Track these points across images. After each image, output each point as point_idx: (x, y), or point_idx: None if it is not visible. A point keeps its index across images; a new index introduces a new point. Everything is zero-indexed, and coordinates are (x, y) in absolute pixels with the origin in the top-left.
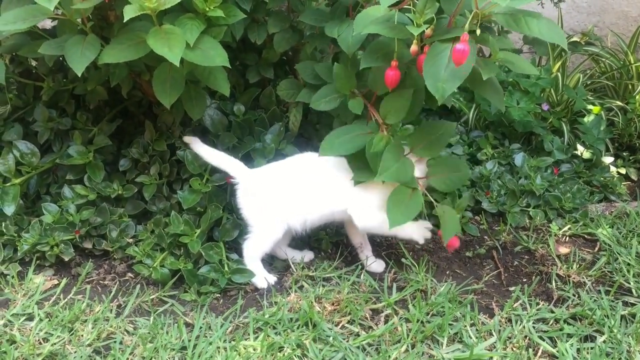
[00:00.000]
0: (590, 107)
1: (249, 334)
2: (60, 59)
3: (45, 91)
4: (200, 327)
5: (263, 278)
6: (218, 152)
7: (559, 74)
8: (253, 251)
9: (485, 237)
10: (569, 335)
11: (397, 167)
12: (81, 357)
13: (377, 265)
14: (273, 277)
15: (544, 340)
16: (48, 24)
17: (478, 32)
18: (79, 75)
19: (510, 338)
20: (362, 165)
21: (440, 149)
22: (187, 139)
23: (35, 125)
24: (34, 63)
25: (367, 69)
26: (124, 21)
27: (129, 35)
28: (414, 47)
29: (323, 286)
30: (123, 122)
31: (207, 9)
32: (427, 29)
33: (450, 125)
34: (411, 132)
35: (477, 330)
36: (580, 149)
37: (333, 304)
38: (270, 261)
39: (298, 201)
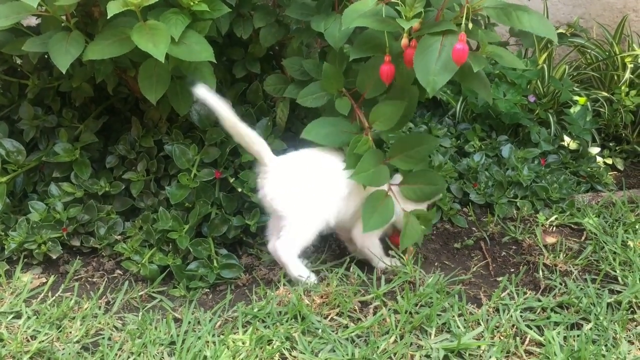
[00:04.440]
0: (576, 98)
1: (237, 328)
2: (45, 56)
3: (31, 89)
4: (189, 322)
5: (311, 275)
6: (252, 131)
7: (545, 66)
8: (291, 247)
9: (473, 228)
10: (556, 324)
11: (374, 172)
12: (69, 353)
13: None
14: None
15: (531, 328)
16: (33, 21)
17: (470, 26)
18: (64, 72)
19: (497, 327)
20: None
21: (419, 162)
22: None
23: (20, 123)
24: (18, 61)
25: (356, 67)
26: (108, 17)
27: (113, 32)
28: (404, 41)
29: None
30: (109, 118)
31: (192, 3)
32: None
33: (433, 140)
34: (392, 141)
35: (465, 320)
36: (566, 139)
37: (322, 297)
38: (260, 255)
39: (332, 193)
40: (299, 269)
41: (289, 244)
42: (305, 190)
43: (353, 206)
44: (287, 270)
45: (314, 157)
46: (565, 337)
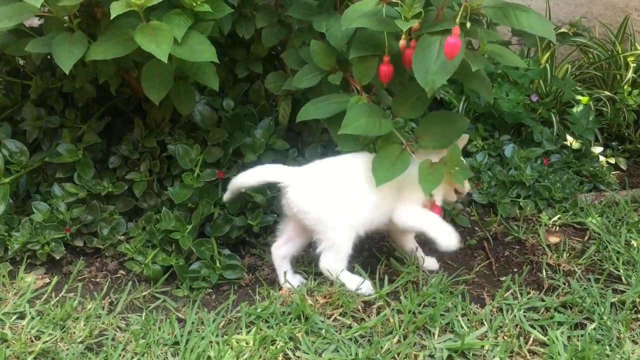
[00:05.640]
0: (579, 97)
1: (241, 328)
2: (48, 57)
3: (34, 89)
4: (193, 322)
5: (367, 283)
6: (259, 168)
7: (548, 65)
8: (338, 263)
9: (476, 228)
10: (560, 323)
11: (366, 122)
12: (73, 354)
13: (431, 262)
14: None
15: (534, 328)
16: (36, 22)
17: (468, 25)
18: (67, 72)
19: (501, 327)
20: (346, 136)
21: (448, 144)
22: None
23: (23, 124)
24: (21, 62)
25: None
26: (111, 18)
27: (116, 32)
28: (402, 42)
29: (315, 279)
30: (112, 119)
31: (194, 4)
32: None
33: (463, 121)
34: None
35: (468, 319)
36: (569, 139)
37: (325, 297)
38: (263, 255)
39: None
40: (354, 281)
41: (334, 260)
42: (333, 199)
43: (385, 212)
44: (344, 284)
45: (337, 165)
46: (569, 337)
